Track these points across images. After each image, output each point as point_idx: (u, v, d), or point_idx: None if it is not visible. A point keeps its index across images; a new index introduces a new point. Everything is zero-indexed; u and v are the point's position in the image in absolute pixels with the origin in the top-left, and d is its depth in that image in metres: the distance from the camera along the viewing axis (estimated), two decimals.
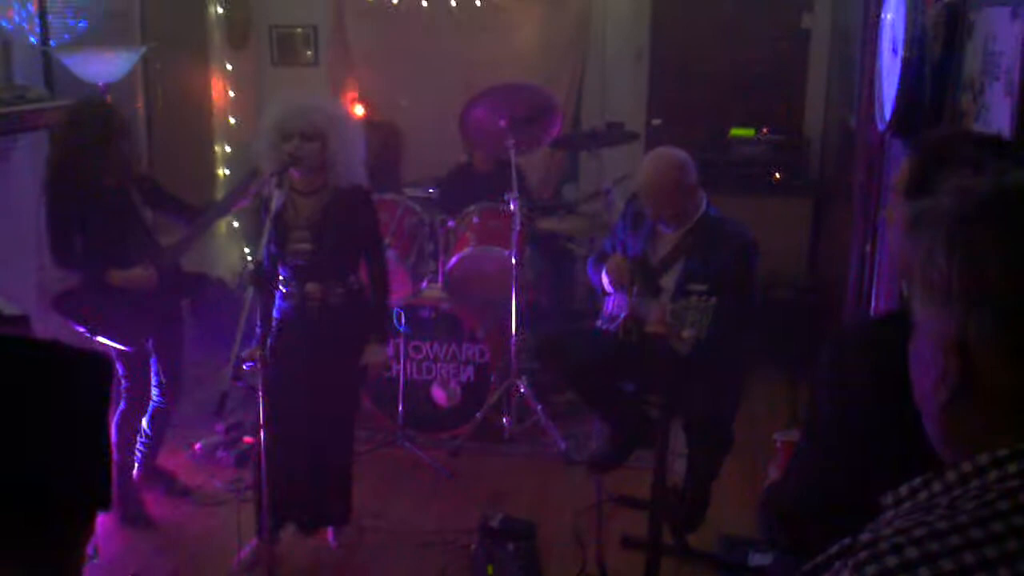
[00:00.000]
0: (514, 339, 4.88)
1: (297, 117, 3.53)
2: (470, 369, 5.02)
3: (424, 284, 5.15)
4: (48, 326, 3.82)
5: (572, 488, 4.42)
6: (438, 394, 5.02)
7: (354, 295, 3.74)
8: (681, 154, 3.89)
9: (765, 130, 6.21)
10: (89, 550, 1.25)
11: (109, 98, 4.48)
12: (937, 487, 1.05)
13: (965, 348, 1.03)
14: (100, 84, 4.64)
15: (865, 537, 1.01)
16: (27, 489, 1.10)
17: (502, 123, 4.97)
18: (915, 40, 3.18)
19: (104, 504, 1.20)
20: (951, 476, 1.04)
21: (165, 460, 4.47)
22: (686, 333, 3.49)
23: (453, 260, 5.00)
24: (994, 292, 1.01)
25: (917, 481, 1.08)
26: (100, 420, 1.21)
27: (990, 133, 2.47)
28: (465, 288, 5.09)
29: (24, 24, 4.50)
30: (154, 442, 4.29)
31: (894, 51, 3.40)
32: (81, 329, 3.86)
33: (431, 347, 5.03)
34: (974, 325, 1.02)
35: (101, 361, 1.21)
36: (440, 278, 5.11)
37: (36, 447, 1.11)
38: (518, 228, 4.80)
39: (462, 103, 5.15)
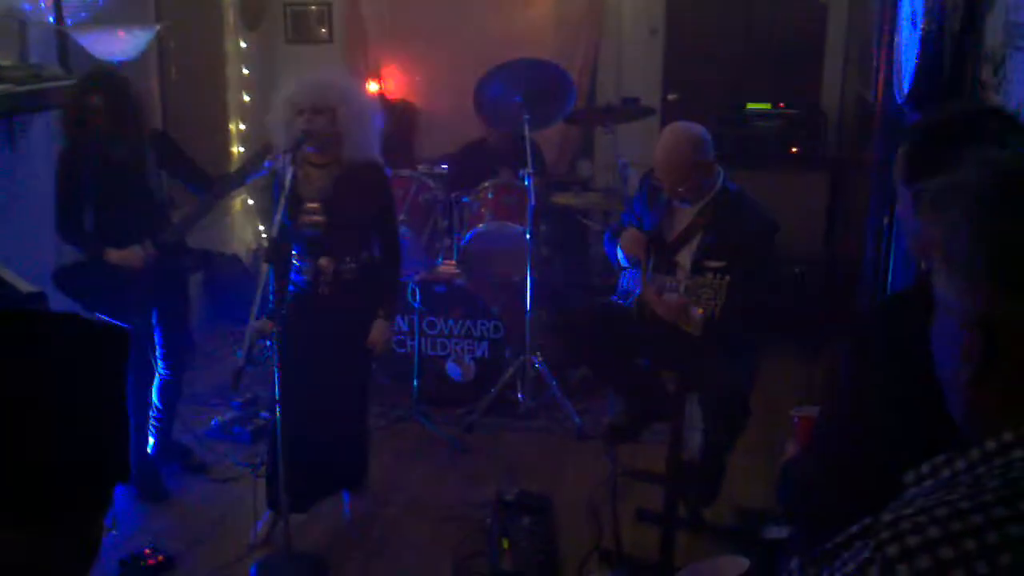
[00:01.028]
0: (529, 315, 4.88)
1: (309, 91, 3.54)
2: (484, 344, 5.02)
3: (439, 260, 5.16)
4: (65, 304, 3.84)
5: (587, 463, 4.43)
6: (453, 369, 5.03)
7: (367, 270, 3.74)
8: (697, 129, 3.85)
9: (782, 104, 6.16)
10: (107, 521, 1.26)
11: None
12: (960, 465, 1.04)
13: (989, 325, 1.02)
14: (115, 62, 4.63)
15: (886, 516, 1.01)
16: (47, 461, 1.11)
17: (517, 99, 4.95)
18: (934, 12, 3.14)
19: (122, 476, 1.21)
20: (974, 454, 1.03)
21: (181, 436, 4.49)
22: (698, 311, 3.48)
23: (468, 236, 4.99)
24: (1019, 268, 1.00)
25: (940, 459, 1.07)
26: (118, 392, 1.21)
27: (994, 106, 2.44)
28: (480, 264, 5.08)
29: (42, 3, 4.50)
30: (166, 416, 4.31)
31: (913, 23, 3.37)
32: (78, 304, 3.88)
33: (446, 323, 5.03)
34: (998, 301, 1.01)
35: (119, 333, 1.22)
36: (455, 254, 5.11)
37: (55, 419, 1.12)
38: (533, 204, 4.79)
39: (477, 79, 5.12)
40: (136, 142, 3.94)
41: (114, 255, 3.94)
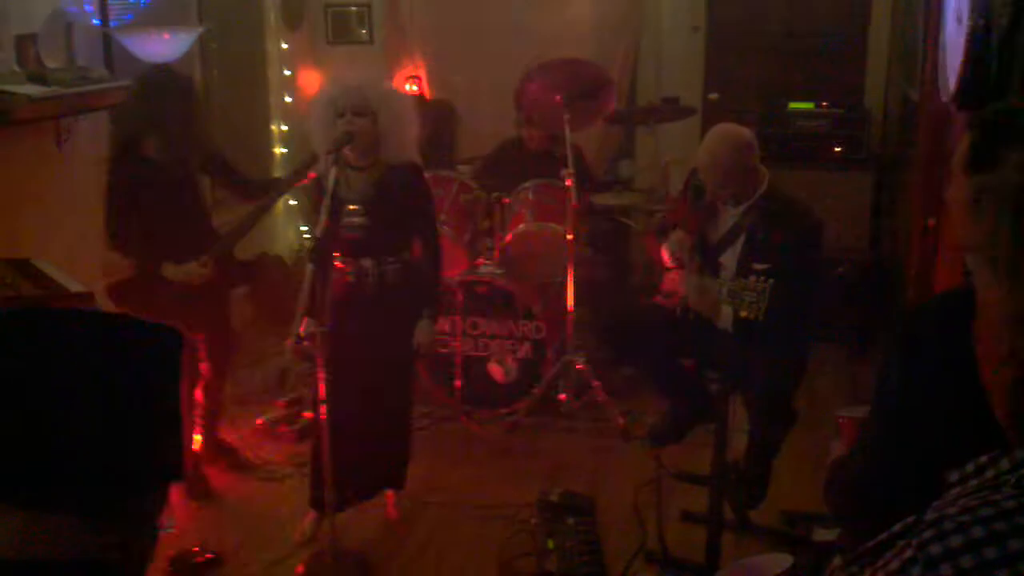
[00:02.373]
0: (570, 315, 4.87)
1: (349, 94, 3.57)
2: (527, 345, 5.02)
3: (480, 261, 5.16)
4: (111, 305, 3.89)
5: (631, 463, 4.42)
6: (495, 370, 5.04)
7: (409, 270, 3.77)
8: (743, 133, 3.81)
9: (824, 103, 6.11)
10: (164, 521, 1.28)
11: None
12: (1005, 465, 1.03)
13: None
14: (143, 70, 4.69)
15: (930, 516, 1.00)
16: (103, 457, 1.13)
17: (557, 98, 4.95)
18: (981, 7, 3.10)
19: (177, 474, 1.23)
20: (1019, 454, 1.02)
21: (227, 435, 4.53)
22: (743, 313, 3.46)
23: (509, 236, 5.00)
24: None
25: (983, 459, 1.06)
26: (171, 391, 1.23)
27: None
28: (521, 265, 5.09)
29: (87, 6, 4.56)
30: (211, 414, 4.36)
31: (959, 19, 3.33)
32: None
33: (487, 324, 5.04)
34: None
35: (171, 333, 1.23)
36: (496, 255, 5.12)
37: (111, 418, 1.14)
38: (574, 204, 4.78)
39: (517, 79, 5.13)
40: (190, 148, 3.98)
41: (170, 270, 3.95)
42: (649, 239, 4.22)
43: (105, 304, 3.85)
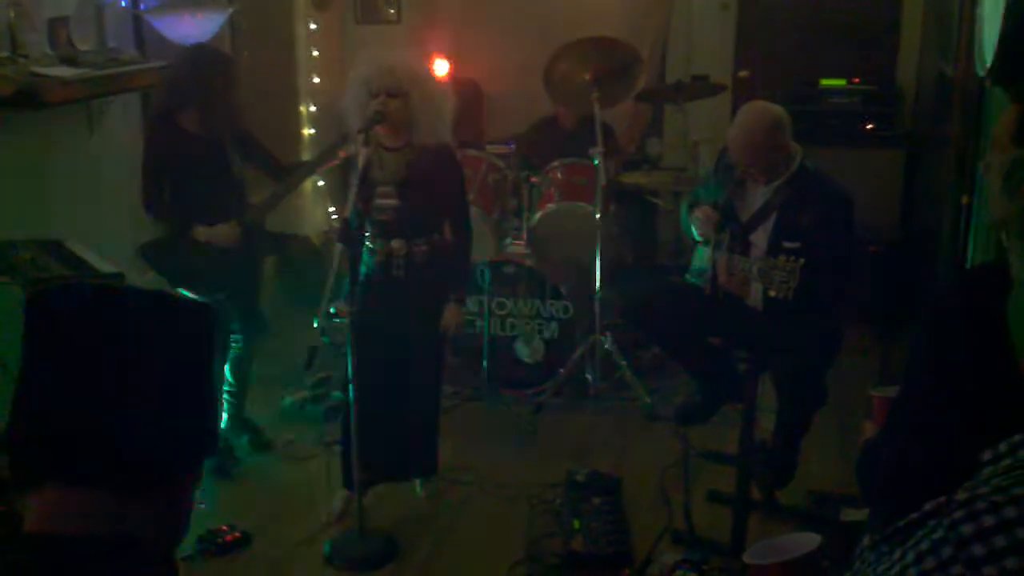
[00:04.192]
0: (598, 295, 4.86)
1: (383, 74, 3.56)
2: (554, 325, 5.02)
3: (508, 240, 5.16)
4: (147, 281, 3.92)
5: (658, 443, 4.42)
6: (522, 350, 5.04)
7: (439, 252, 3.77)
8: (774, 111, 3.77)
9: (856, 80, 6.04)
10: (195, 496, 1.29)
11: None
12: None
13: None
14: (188, 45, 4.70)
15: (961, 495, 0.99)
16: (139, 431, 1.14)
17: (586, 77, 4.92)
18: None
19: (210, 450, 1.24)
20: None
21: (253, 414, 4.54)
22: (772, 292, 3.44)
23: (537, 216, 4.99)
24: None
25: (1017, 438, 1.04)
26: (205, 367, 1.23)
27: None
28: (549, 244, 5.08)
29: None
30: (238, 391, 4.39)
31: None
32: (163, 279, 3.97)
33: (515, 303, 5.04)
34: None
35: (206, 310, 1.24)
36: (524, 234, 5.11)
37: (146, 394, 1.14)
38: (602, 183, 4.77)
39: (546, 58, 5.11)
40: (224, 124, 4.02)
41: (202, 232, 4.00)
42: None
43: (137, 264, 3.91)
